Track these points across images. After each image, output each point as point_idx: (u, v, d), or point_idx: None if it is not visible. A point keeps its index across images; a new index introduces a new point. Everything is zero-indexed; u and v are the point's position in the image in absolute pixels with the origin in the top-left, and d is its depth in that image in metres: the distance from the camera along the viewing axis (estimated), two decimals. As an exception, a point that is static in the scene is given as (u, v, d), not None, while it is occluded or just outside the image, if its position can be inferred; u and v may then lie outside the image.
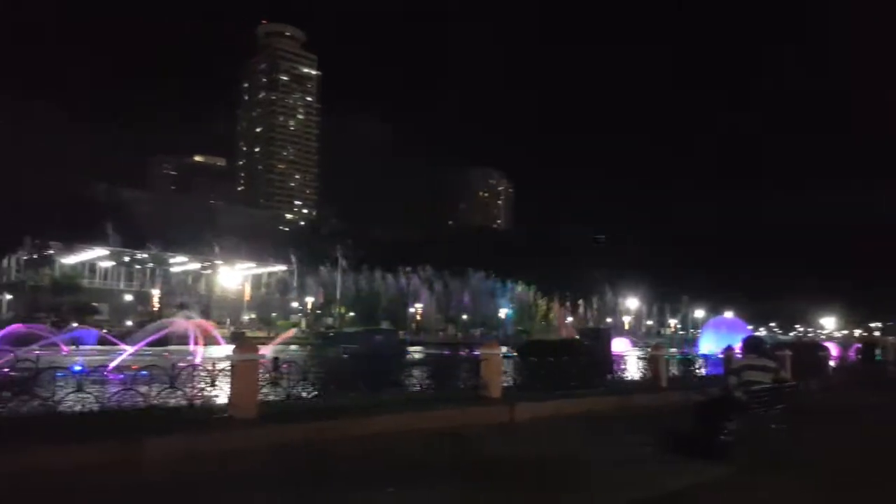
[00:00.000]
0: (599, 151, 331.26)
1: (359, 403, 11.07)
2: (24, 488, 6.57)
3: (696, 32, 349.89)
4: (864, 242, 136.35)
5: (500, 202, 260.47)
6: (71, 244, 74.09)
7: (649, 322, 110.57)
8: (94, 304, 64.78)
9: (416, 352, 37.57)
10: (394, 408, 11.09)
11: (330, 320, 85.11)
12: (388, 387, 13.06)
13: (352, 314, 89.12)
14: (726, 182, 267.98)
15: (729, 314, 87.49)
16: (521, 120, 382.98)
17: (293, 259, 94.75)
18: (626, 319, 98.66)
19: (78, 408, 9.05)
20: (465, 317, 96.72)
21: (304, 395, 11.41)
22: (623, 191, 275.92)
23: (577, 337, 31.19)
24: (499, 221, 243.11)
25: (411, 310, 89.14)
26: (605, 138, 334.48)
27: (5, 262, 75.13)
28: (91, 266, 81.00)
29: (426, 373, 14.11)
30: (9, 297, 63.45)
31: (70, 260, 77.40)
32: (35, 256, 71.44)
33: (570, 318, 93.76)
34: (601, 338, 27.37)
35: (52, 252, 72.37)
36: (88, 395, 9.16)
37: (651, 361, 16.82)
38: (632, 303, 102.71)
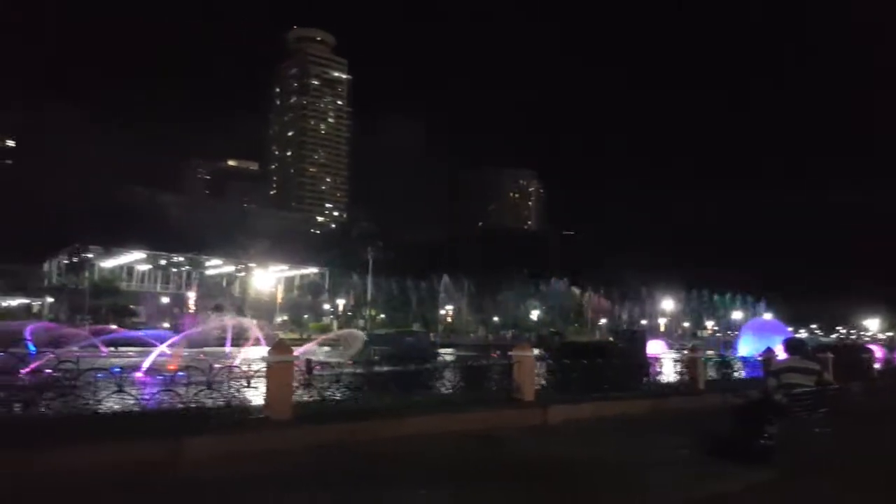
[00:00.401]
0: (633, 150, 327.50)
1: (391, 405, 11.09)
2: (65, 487, 6.71)
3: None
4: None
5: (530, 203, 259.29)
6: (109, 248, 75.84)
7: (685, 324, 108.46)
8: (132, 306, 66.16)
9: (446, 354, 37.56)
10: (426, 410, 11.09)
11: (361, 322, 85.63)
12: (419, 389, 13.04)
13: (382, 316, 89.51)
14: (765, 181, 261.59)
15: (768, 316, 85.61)
16: (552, 120, 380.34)
17: (324, 261, 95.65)
18: (662, 321, 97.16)
19: (118, 408, 9.22)
20: (496, 319, 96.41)
21: (337, 396, 11.46)
22: (657, 189, 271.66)
23: (611, 339, 30.85)
24: (529, 223, 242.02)
25: (442, 312, 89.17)
26: (638, 137, 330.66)
27: (46, 266, 77.22)
28: (129, 269, 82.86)
29: (457, 375, 14.04)
30: (50, 300, 65.16)
31: (108, 263, 79.23)
32: (75, 260, 73.25)
33: (603, 320, 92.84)
34: (636, 340, 27.04)
35: (91, 256, 74.14)
36: (128, 396, 9.33)
37: (688, 364, 16.53)
38: (667, 304, 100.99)
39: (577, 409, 12.38)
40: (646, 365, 17.10)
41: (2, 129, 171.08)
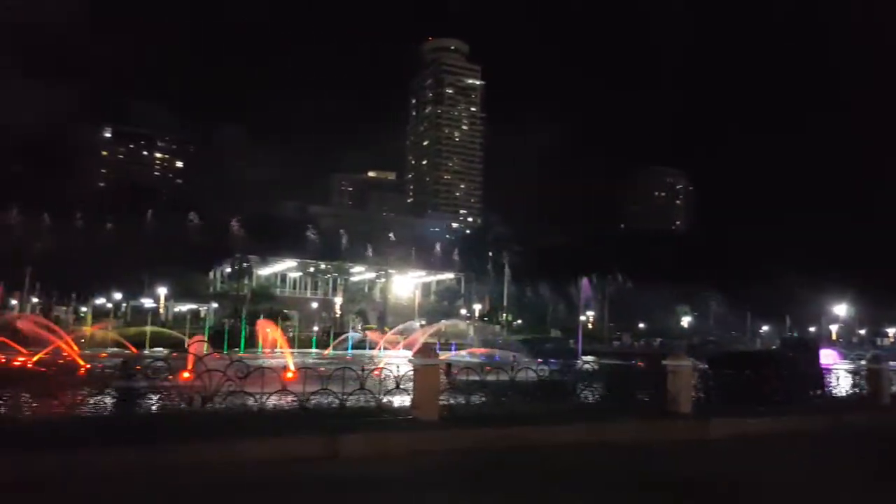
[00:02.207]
0: (789, 146, 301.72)
1: (536, 412, 10.89)
2: (235, 475, 7.16)
3: None
4: None
5: (678, 202, 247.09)
6: (265, 257, 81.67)
7: (861, 331, 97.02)
8: (286, 311, 70.60)
9: (588, 362, 36.61)
10: (572, 418, 10.77)
11: (497, 328, 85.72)
12: (563, 396, 12.72)
13: (519, 322, 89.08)
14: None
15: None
16: (697, 119, 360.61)
17: (460, 267, 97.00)
18: (833, 328, 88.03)
19: (281, 405, 9.82)
20: (641, 325, 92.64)
21: (480, 400, 11.45)
22: (820, 186, 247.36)
23: (775, 348, 28.60)
24: (677, 223, 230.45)
25: (582, 318, 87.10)
26: (797, 135, 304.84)
27: (211, 274, 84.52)
28: (282, 276, 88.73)
29: (603, 384, 13.55)
30: (215, 305, 71.06)
31: (265, 271, 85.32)
32: (237, 268, 79.49)
33: (764, 328, 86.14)
34: (807, 349, 24.77)
35: (250, 264, 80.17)
36: (290, 394, 9.89)
37: (870, 376, 14.86)
38: (840, 309, 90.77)
39: (742, 423, 11.44)
40: (819, 377, 15.54)
41: (172, 152, 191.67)
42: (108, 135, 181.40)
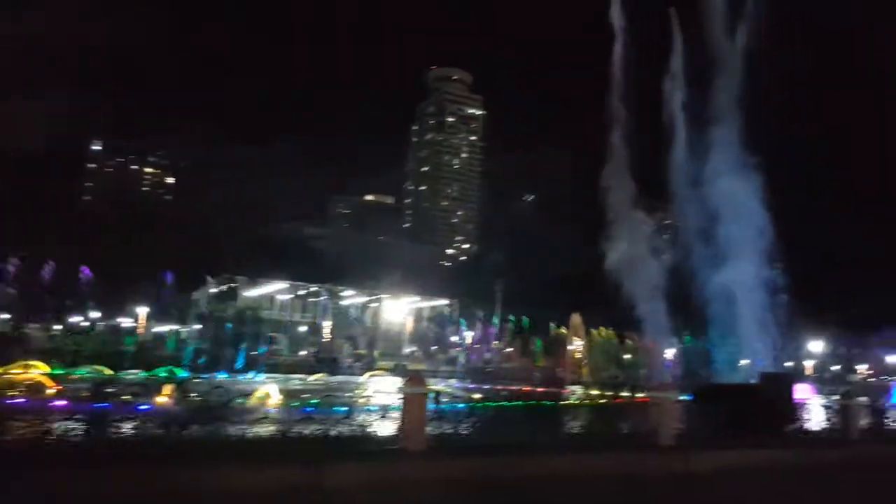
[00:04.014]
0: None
1: (523, 442, 10.93)
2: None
3: None
4: None
5: (665, 237, 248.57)
6: (254, 278, 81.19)
7: (835, 367, 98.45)
8: (273, 333, 69.99)
9: (575, 390, 36.58)
10: (559, 449, 10.83)
11: (488, 355, 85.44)
12: (550, 426, 12.80)
13: (510, 350, 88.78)
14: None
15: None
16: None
17: (454, 293, 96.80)
18: (808, 364, 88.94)
19: (264, 433, 9.75)
20: (629, 356, 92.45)
21: (467, 430, 11.45)
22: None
23: (755, 382, 28.59)
24: (664, 257, 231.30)
25: (571, 347, 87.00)
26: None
27: (196, 294, 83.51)
28: (271, 298, 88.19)
29: (589, 414, 13.68)
30: (198, 326, 69.56)
31: (253, 293, 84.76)
32: (224, 289, 78.81)
33: (743, 361, 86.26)
34: (783, 383, 24.94)
35: (236, 285, 79.55)
36: (274, 421, 9.88)
37: (841, 411, 15.14)
38: (816, 346, 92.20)
39: (722, 456, 11.58)
40: (794, 411, 15.78)
41: (163, 167, 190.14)
42: (96, 147, 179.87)
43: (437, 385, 31.27)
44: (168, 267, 73.22)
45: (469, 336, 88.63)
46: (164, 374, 24.27)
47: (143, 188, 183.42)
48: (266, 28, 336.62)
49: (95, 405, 9.97)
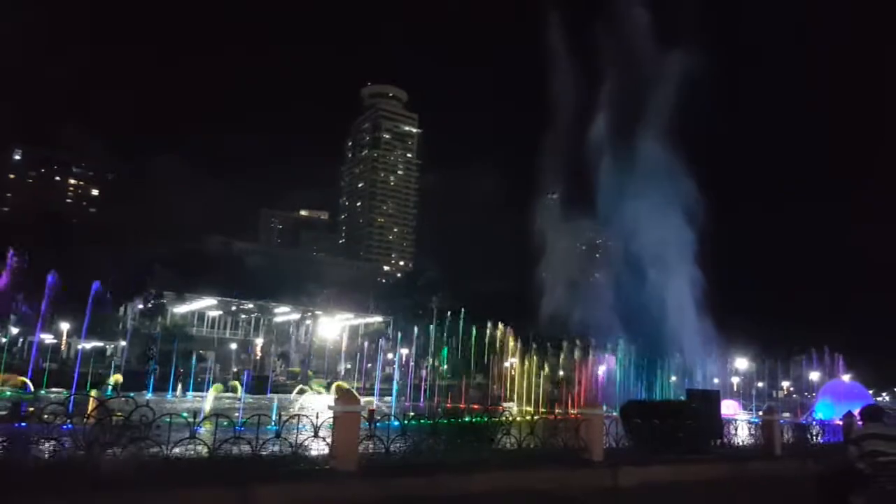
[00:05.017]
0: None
1: (456, 460, 10.88)
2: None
3: None
4: None
5: (597, 256, 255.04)
6: (182, 294, 78.64)
7: (760, 384, 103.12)
8: (202, 351, 67.99)
9: (509, 407, 36.95)
10: (492, 466, 10.83)
11: (423, 373, 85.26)
12: (484, 443, 12.79)
13: (444, 367, 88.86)
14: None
15: (846, 377, 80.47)
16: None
17: (389, 310, 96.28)
18: (735, 380, 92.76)
19: (189, 454, 9.36)
20: (561, 373, 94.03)
21: (400, 449, 11.31)
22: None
23: (682, 399, 29.52)
24: (596, 275, 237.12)
25: (506, 364, 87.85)
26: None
27: (122, 311, 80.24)
28: (200, 315, 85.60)
29: (523, 431, 13.73)
30: (123, 343, 67.36)
31: (181, 309, 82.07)
32: (151, 305, 76.14)
33: (673, 378, 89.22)
34: (709, 400, 25.77)
35: (164, 301, 76.96)
36: (200, 442, 9.49)
37: (764, 427, 15.73)
38: (741, 363, 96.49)
39: (650, 471, 11.87)
40: (720, 427, 16.34)
41: (87, 179, 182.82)
42: (17, 157, 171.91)
43: (370, 403, 30.98)
44: (92, 282, 70.08)
45: (404, 353, 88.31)
46: (86, 393, 23.07)
47: (67, 200, 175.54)
48: (199, 38, 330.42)
49: (14, 425, 9.48)
